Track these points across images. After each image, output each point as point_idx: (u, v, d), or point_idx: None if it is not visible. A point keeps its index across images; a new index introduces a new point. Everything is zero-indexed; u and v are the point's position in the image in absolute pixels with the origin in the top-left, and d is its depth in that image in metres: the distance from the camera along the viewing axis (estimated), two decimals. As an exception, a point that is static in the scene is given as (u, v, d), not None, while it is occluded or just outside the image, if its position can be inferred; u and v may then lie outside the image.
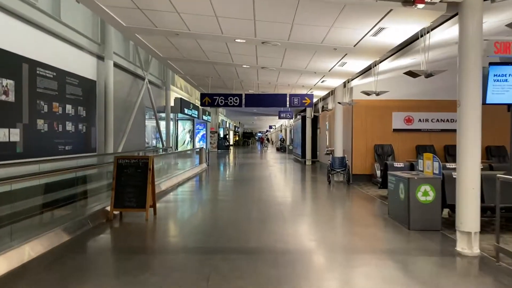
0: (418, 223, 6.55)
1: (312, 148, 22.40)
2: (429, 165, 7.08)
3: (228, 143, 41.52)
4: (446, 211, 7.00)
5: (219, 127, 42.02)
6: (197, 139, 34.38)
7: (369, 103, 13.30)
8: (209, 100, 13.64)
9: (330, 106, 15.98)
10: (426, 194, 6.59)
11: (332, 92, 15.61)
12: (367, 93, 9.76)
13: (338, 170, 13.30)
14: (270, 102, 13.60)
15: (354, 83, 12.83)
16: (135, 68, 16.69)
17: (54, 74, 10.58)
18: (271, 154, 34.74)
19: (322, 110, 18.63)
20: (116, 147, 14.58)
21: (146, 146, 23.24)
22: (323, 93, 15.68)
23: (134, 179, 7.41)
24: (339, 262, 4.99)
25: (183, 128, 29.32)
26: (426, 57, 6.70)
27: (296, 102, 13.60)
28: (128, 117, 15.80)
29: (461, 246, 5.23)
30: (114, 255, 5.26)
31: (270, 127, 55.41)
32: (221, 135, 42.71)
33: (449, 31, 6.60)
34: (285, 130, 43.79)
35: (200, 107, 30.20)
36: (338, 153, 13.74)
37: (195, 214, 8.17)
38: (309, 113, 22.11)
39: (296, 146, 27.97)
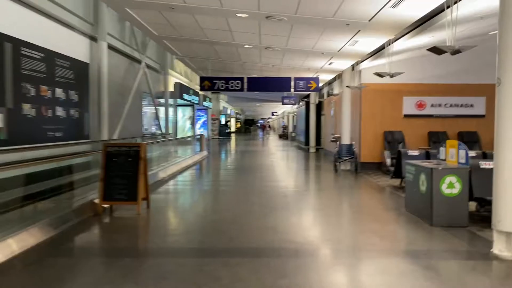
0: (442, 219, 5.81)
1: (316, 135, 21.64)
2: (453, 153, 6.33)
3: (229, 130, 40.77)
4: (472, 205, 6.25)
5: (220, 114, 41.21)
6: (197, 126, 33.61)
7: (379, 87, 12.49)
8: (209, 84, 12.84)
9: (336, 91, 15.17)
10: (451, 186, 5.84)
11: (339, 76, 14.78)
12: (380, 75, 8.96)
13: (346, 158, 12.55)
14: (274, 86, 12.80)
15: (363, 65, 12.00)
16: (132, 51, 15.85)
17: (42, 55, 9.78)
18: (273, 142, 34.00)
19: (328, 95, 17.82)
20: (111, 134, 13.83)
21: (144, 133, 22.58)
22: (329, 77, 14.85)
23: (124, 169, 6.67)
24: (358, 268, 4.27)
25: (183, 114, 28.53)
26: (453, 31, 5.88)
27: (301, 86, 12.80)
28: (124, 103, 15.02)
29: (499, 248, 4.50)
30: (96, 258, 4.54)
31: (273, 113, 54.55)
32: (223, 122, 41.92)
33: (479, 2, 5.79)
34: (288, 117, 42.95)
35: (200, 93, 29.40)
36: (346, 140, 12.97)
37: (193, 208, 7.46)
38: (313, 98, 21.28)
39: (299, 133, 27.20)
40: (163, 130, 21.12)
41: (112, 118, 13.79)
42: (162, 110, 23.50)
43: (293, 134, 34.84)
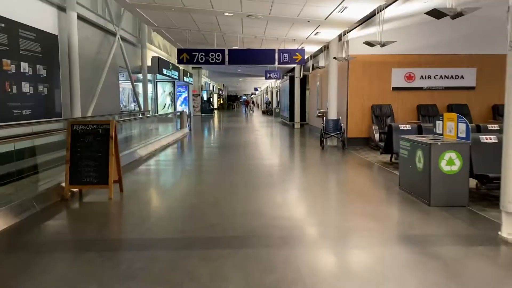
0: (441, 198, 5.38)
1: (301, 111, 21.11)
2: (451, 127, 5.86)
3: (212, 107, 39.89)
4: (471, 182, 5.84)
5: (202, 90, 40.21)
6: (178, 102, 32.66)
7: (367, 59, 11.93)
8: (188, 56, 12.07)
9: (322, 64, 14.56)
10: (451, 163, 5.38)
11: (325, 48, 14.13)
12: (371, 44, 8.37)
13: (332, 134, 12.07)
14: (257, 58, 12.11)
15: (351, 35, 11.38)
16: (106, 23, 14.84)
17: (2, 25, 8.87)
18: (257, 118, 33.38)
19: (313, 69, 17.19)
20: (85, 111, 13.02)
21: (122, 110, 21.70)
22: (315, 48, 14.19)
23: (93, 150, 6.02)
24: (353, 259, 3.79)
25: (163, 90, 27.57)
26: (455, -9, 5.31)
27: (285, 58, 12.13)
28: (98, 78, 14.14)
29: (508, 231, 4.08)
30: (57, 252, 3.95)
31: (256, 89, 53.67)
32: (205, 98, 40.94)
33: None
34: (271, 92, 42.23)
35: (180, 68, 28.38)
36: (332, 115, 12.46)
37: (171, 191, 6.88)
38: (297, 72, 20.63)
39: (283, 109, 26.62)
40: (142, 107, 20.28)
41: (86, 94, 12.95)
42: (140, 86, 22.64)
43: (277, 110, 34.23)
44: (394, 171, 8.03)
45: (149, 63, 20.86)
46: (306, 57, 16.32)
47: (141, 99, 20.12)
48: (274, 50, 11.99)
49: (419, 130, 8.48)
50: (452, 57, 12.08)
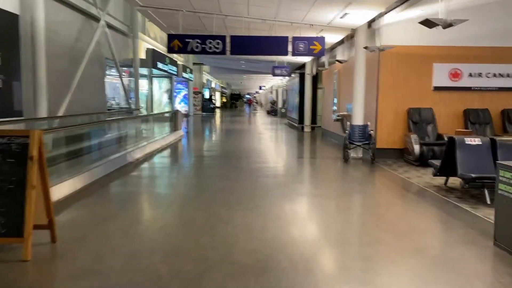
0: None
1: (312, 112, 18.73)
2: None
3: (213, 105, 37.52)
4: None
5: (203, 87, 37.86)
6: (177, 100, 30.33)
7: (402, 51, 9.54)
8: (180, 44, 9.69)
9: (343, 57, 12.15)
10: None
11: (347, 38, 11.71)
12: (431, 24, 5.91)
13: (359, 144, 9.67)
14: (266, 48, 9.72)
15: (387, 19, 8.96)
16: (88, 6, 12.49)
17: None
18: (261, 118, 30.99)
19: (329, 64, 14.80)
20: (55, 109, 10.65)
21: (111, 107, 19.38)
22: (335, 38, 11.74)
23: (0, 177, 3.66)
24: None
25: (160, 87, 25.22)
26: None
27: (301, 48, 9.73)
28: (75, 70, 11.77)
29: None
30: None
31: (260, 87, 51.19)
32: (206, 96, 38.58)
33: None
34: (277, 91, 39.82)
35: (179, 62, 26.02)
36: (358, 120, 10.05)
37: (137, 237, 4.51)
38: (309, 68, 18.23)
39: (290, 110, 24.24)
40: (133, 104, 17.93)
41: (57, 88, 10.59)
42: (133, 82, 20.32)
43: (283, 110, 31.86)
44: (461, 205, 5.64)
45: (142, 55, 18.51)
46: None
47: (132, 96, 17.81)
48: (287, 38, 9.60)
49: (493, 145, 6.08)
50: (508, 51, 9.67)
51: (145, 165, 9.14)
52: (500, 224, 4.07)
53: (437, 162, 6.73)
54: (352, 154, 9.95)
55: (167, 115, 17.04)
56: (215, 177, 7.87)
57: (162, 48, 23.17)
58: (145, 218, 4.96)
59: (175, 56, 26.09)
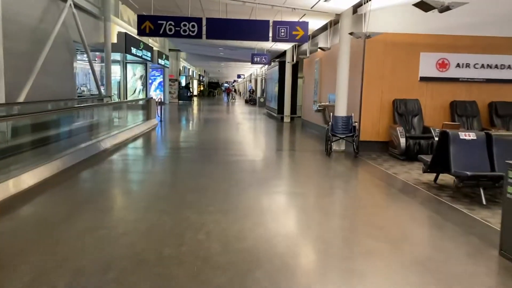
0: None
1: (292, 102, 18.17)
2: None
3: (191, 94, 36.50)
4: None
5: (180, 75, 36.79)
6: (152, 87, 29.28)
7: (388, 39, 9.03)
8: (151, 26, 8.89)
9: (325, 44, 11.58)
10: None
11: (331, 24, 11.14)
12: (427, 6, 5.38)
13: (342, 137, 9.15)
14: (244, 32, 9.02)
15: (373, 5, 8.40)
16: (51, -18, 11.53)
17: None
18: (239, 108, 30.29)
19: (310, 52, 14.22)
20: (15, 94, 9.76)
21: (81, 94, 18.39)
22: (318, 23, 11.14)
23: None
24: None
25: (134, 73, 24.17)
26: None
27: (282, 33, 9.08)
28: (38, 53, 10.83)
29: None
30: None
31: (239, 76, 50.29)
32: (183, 84, 37.52)
33: None
34: (256, 80, 39.10)
35: (155, 48, 24.96)
36: (341, 111, 9.53)
37: (94, 249, 3.84)
38: (289, 57, 17.61)
39: (269, 99, 23.63)
40: (103, 91, 16.96)
41: (17, 72, 9.69)
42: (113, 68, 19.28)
43: (262, 100, 31.23)
44: (456, 205, 5.19)
45: (114, 39, 17.49)
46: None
47: (103, 82, 16.83)
48: (267, 22, 8.93)
49: (489, 141, 5.64)
50: (499, 41, 9.29)
51: (114, 156, 8.40)
52: (508, 232, 3.59)
53: (427, 158, 6.27)
54: (335, 147, 9.45)
55: (140, 102, 16.18)
56: (188, 172, 7.21)
57: (135, 32, 22.08)
58: (103, 222, 4.29)
59: (150, 42, 25.01)
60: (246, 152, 9.46)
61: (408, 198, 5.75)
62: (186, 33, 8.90)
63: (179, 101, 32.82)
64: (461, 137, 5.61)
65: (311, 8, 9.06)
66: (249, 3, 9.19)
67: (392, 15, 9.04)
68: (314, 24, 10.95)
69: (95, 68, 15.19)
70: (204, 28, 8.96)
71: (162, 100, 29.52)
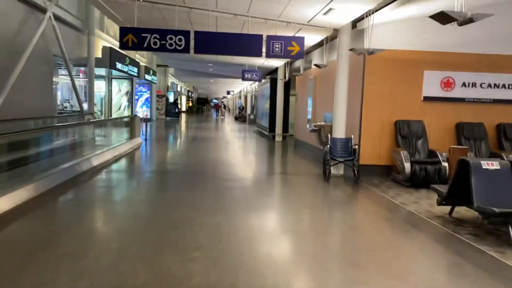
0: None
1: (283, 120, 17.50)
2: None
3: (178, 110, 35.68)
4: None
5: (168, 91, 36.03)
6: (139, 103, 28.45)
7: (390, 56, 8.43)
8: (135, 39, 8.15)
9: (321, 61, 10.97)
10: None
11: (327, 40, 10.54)
12: (447, 18, 4.69)
13: (341, 160, 8.43)
14: (236, 47, 8.34)
15: (376, 19, 7.80)
16: (30, -6, 10.81)
17: None
18: (228, 125, 29.57)
19: (304, 70, 13.62)
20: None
21: (61, 111, 17.49)
22: (314, 39, 10.52)
23: None
24: None
25: (119, 89, 23.34)
26: None
27: (277, 49, 8.42)
28: (12, 66, 10.02)
29: None
30: None
31: (228, 92, 49.70)
32: (171, 100, 36.73)
33: None
34: (246, 96, 38.53)
35: (141, 64, 24.23)
36: (340, 132, 8.84)
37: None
38: (281, 73, 17.02)
39: (260, 117, 22.97)
40: (86, 107, 16.09)
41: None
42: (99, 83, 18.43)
43: (252, 117, 30.57)
44: (481, 246, 4.46)
45: (98, 54, 16.73)
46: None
47: (86, 98, 15.99)
48: (261, 36, 8.28)
49: (514, 172, 4.96)
50: (507, 59, 8.75)
51: (90, 181, 7.54)
52: None
53: (442, 189, 5.57)
54: (333, 171, 8.72)
55: (124, 120, 15.33)
56: (171, 201, 6.39)
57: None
58: (61, 276, 3.45)
59: (137, 57, 24.30)
60: (236, 176, 8.68)
61: (424, 236, 5.01)
62: (172, 47, 8.18)
63: (167, 118, 32.01)
64: (483, 167, 4.93)
65: (308, 22, 8.43)
66: (241, 16, 8.53)
67: (394, 30, 8.47)
68: (310, 40, 10.34)
69: (79, 84, 14.37)
70: (192, 42, 8.25)
71: (149, 116, 28.80)
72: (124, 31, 8.21)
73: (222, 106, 52.09)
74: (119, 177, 8.59)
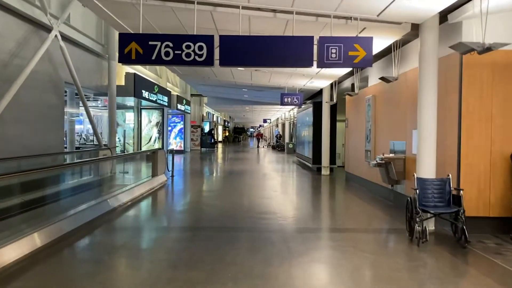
0: None
1: (330, 150, 14.90)
2: None
3: (214, 140, 33.78)
4: None
5: (202, 121, 34.35)
6: (172, 135, 26.74)
7: (500, 58, 5.82)
8: (140, 49, 6.01)
9: (390, 73, 8.43)
10: None
11: (396, 46, 7.99)
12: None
13: (436, 212, 5.69)
14: (277, 55, 6.01)
15: (483, 5, 5.25)
16: (31, 9, 9.16)
17: None
18: (266, 155, 27.18)
19: (352, 89, 11.10)
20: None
21: (82, 144, 15.90)
22: (379, 44, 7.92)
23: None
24: None
25: (149, 120, 21.65)
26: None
27: (333, 55, 6.01)
28: (2, 93, 8.27)
29: None
30: None
31: (265, 121, 47.63)
32: (206, 130, 34.96)
33: None
34: (283, 124, 36.22)
35: (173, 93, 22.58)
36: (429, 170, 6.17)
37: None
38: (326, 96, 14.57)
39: (300, 146, 20.44)
40: (104, 140, 14.26)
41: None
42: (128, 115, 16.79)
43: (291, 146, 28.12)
44: None
45: (121, 81, 15.02)
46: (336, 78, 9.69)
47: (107, 130, 14.21)
48: (311, 38, 5.95)
49: None
50: None
51: (92, 238, 5.30)
52: None
53: None
54: (426, 225, 6.00)
55: (146, 154, 13.26)
56: (198, 270, 3.96)
57: (153, 77, 19.77)
58: None
59: (169, 86, 22.68)
60: (282, 233, 6.15)
61: None
62: (191, 58, 5.96)
63: (202, 149, 30.10)
64: None
65: (379, 15, 5.98)
66: (282, 14, 6.23)
67: (504, 22, 5.87)
68: (378, 43, 7.80)
69: (103, 115, 12.53)
70: (216, 51, 6.00)
71: (183, 148, 26.95)
72: (124, 39, 6.08)
73: (261, 134, 49.81)
74: (130, 233, 6.25)
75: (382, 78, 7.81)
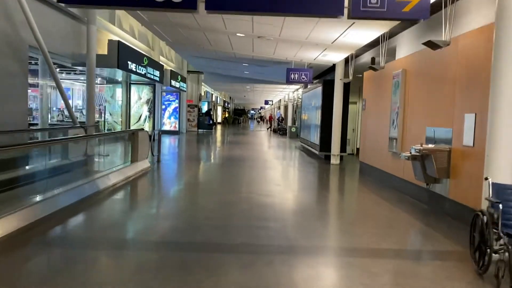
0: None
1: (341, 135, 13.01)
2: None
3: (212, 121, 31.77)
4: None
5: (200, 100, 32.33)
6: (166, 114, 24.78)
7: None
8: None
9: (438, 37, 6.41)
10: None
11: (448, 1, 5.98)
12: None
13: (520, 235, 3.82)
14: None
15: None
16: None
17: None
18: (267, 139, 25.26)
19: (373, 64, 9.08)
20: None
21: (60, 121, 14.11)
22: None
23: None
24: None
25: (139, 96, 19.65)
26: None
27: (373, 0, 4.07)
28: None
29: None
30: None
31: (266, 102, 45.45)
32: (203, 111, 32.93)
33: None
34: (286, 106, 34.19)
35: (167, 67, 20.53)
36: (505, 172, 4.27)
37: None
38: (340, 72, 12.57)
39: (305, 130, 18.49)
40: (77, 117, 12.35)
41: None
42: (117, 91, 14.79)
43: (293, 129, 26.20)
44: None
45: (103, 50, 13.00)
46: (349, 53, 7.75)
47: (81, 104, 12.27)
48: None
49: None
50: None
51: (34, 246, 3.42)
52: None
53: None
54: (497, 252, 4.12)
55: (124, 134, 11.29)
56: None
57: (144, 48, 17.70)
58: None
59: (162, 59, 20.59)
60: (289, 255, 4.30)
61: None
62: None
63: (199, 130, 28.16)
64: None
65: None
66: None
67: None
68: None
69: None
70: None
71: (177, 129, 25.03)
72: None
73: (261, 117, 47.64)
74: (89, 242, 4.37)
75: (428, 43, 5.78)
